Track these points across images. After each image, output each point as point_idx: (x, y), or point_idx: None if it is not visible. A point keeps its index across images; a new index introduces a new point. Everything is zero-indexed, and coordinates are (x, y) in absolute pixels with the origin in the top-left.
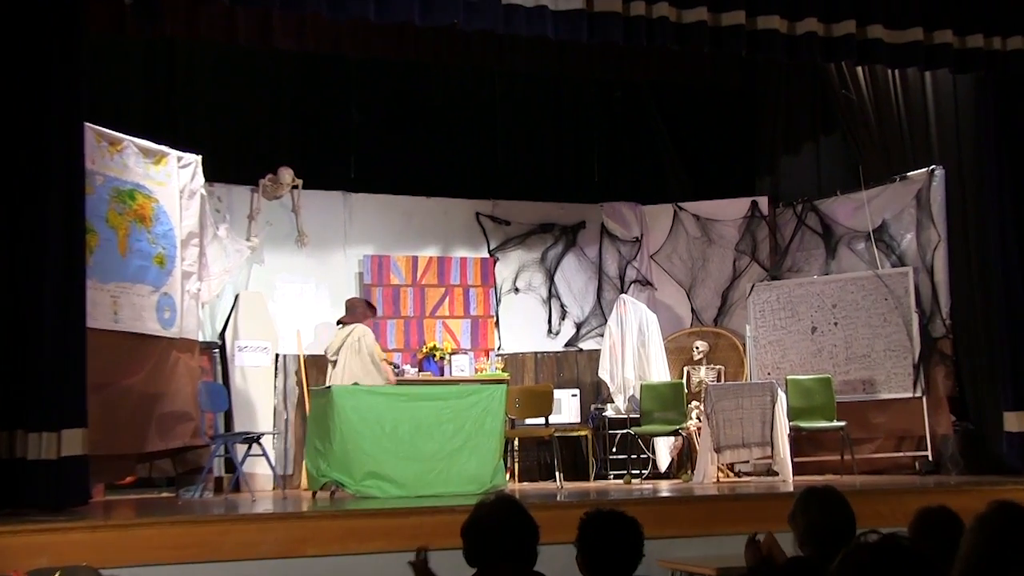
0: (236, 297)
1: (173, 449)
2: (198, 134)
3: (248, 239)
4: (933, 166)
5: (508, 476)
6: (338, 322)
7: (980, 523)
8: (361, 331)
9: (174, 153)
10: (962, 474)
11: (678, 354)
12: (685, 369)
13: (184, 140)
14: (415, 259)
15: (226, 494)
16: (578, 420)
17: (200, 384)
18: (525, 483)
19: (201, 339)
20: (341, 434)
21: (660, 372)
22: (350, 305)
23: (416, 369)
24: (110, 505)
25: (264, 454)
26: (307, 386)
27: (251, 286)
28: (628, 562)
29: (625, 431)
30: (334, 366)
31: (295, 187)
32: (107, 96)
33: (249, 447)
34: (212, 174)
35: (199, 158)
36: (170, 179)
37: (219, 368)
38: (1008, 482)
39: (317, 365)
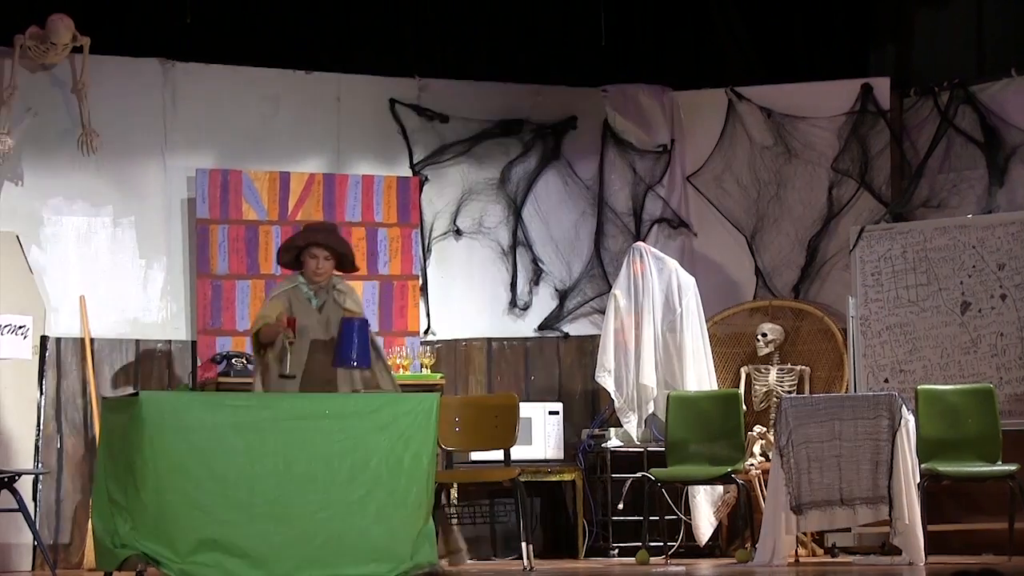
0: None
1: None
2: None
3: None
4: None
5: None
6: (283, 257)
7: None
8: (347, 289)
9: None
10: None
11: (732, 345)
12: (743, 371)
13: None
14: (284, 177)
15: None
16: (561, 455)
17: None
18: (472, 562)
19: None
20: (156, 476)
21: (700, 376)
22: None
23: None
24: None
25: (21, 508)
26: (96, 392)
27: None
28: None
29: (640, 475)
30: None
31: (78, 49)
32: None
33: None
34: None
35: None
36: None
37: None
38: None
39: (115, 355)
